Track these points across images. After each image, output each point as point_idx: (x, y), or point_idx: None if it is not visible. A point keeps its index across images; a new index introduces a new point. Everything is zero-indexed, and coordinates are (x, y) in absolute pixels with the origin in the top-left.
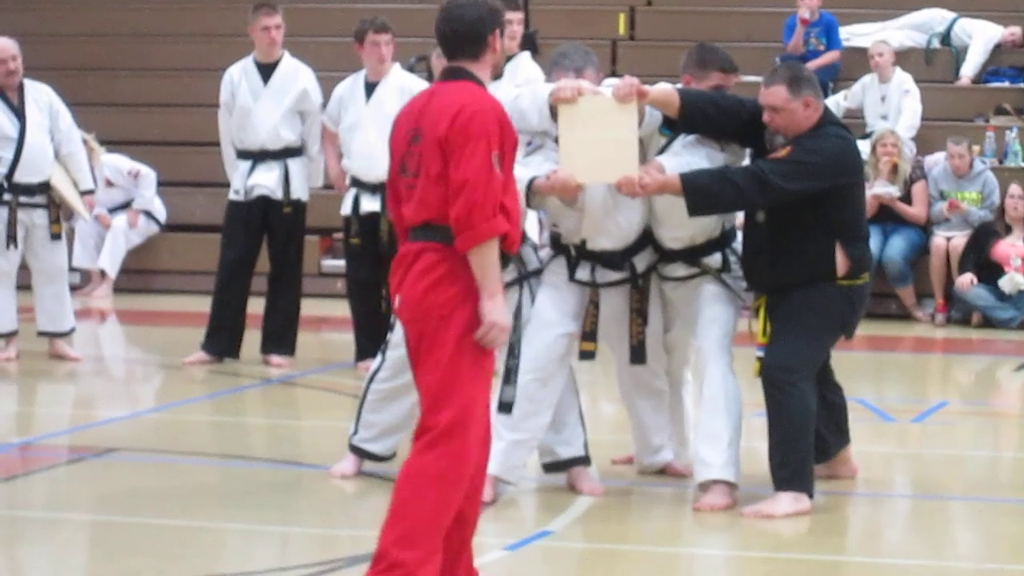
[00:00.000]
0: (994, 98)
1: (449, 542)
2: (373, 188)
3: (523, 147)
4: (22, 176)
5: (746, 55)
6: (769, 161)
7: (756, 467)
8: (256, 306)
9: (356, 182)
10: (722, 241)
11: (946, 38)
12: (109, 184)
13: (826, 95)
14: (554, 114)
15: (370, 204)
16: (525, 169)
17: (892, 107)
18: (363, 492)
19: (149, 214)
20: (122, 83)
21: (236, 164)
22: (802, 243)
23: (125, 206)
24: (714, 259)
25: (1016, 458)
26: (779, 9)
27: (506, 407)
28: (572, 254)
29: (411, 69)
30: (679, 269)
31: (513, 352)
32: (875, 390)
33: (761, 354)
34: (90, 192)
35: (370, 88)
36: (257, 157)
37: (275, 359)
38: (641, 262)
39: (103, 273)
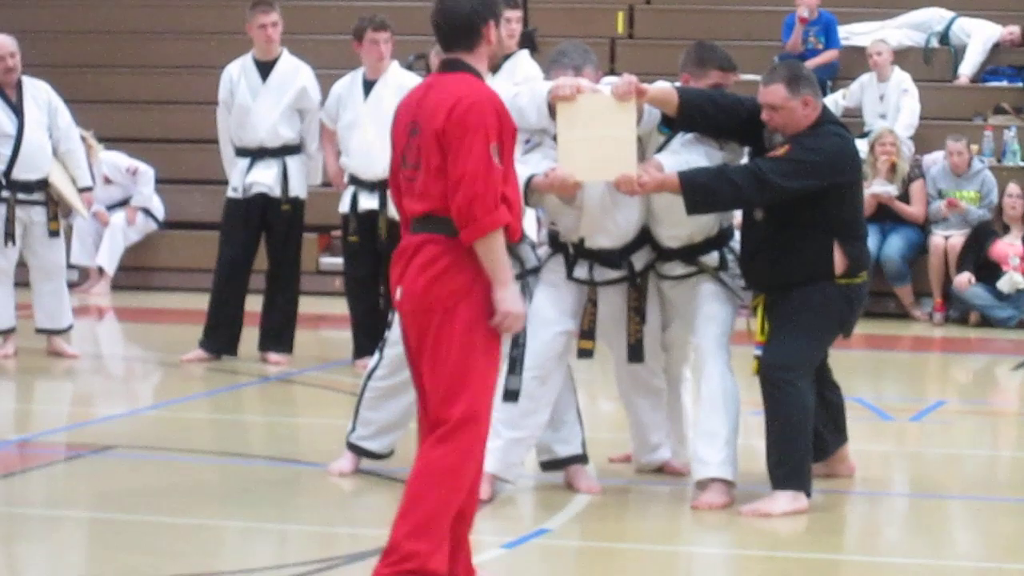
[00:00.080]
0: (992, 97)
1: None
2: (371, 186)
3: (521, 145)
4: (20, 173)
5: (745, 54)
6: (768, 160)
7: (754, 465)
8: (254, 304)
9: (354, 180)
10: (720, 240)
11: (945, 37)
12: (107, 181)
13: (824, 94)
14: (553, 112)
15: (368, 202)
16: (523, 167)
17: (890, 106)
18: (361, 490)
19: (147, 211)
20: (121, 80)
21: (235, 162)
22: (800, 242)
23: (123, 203)
24: (712, 258)
25: (1014, 457)
26: (778, 8)
27: (512, 395)
28: (570, 252)
29: (410, 67)
30: (677, 268)
31: (517, 342)
32: (873, 389)
33: (759, 353)
34: (88, 189)
35: (368, 86)
36: (256, 155)
37: (273, 357)
38: (639, 260)
39: (101, 270)
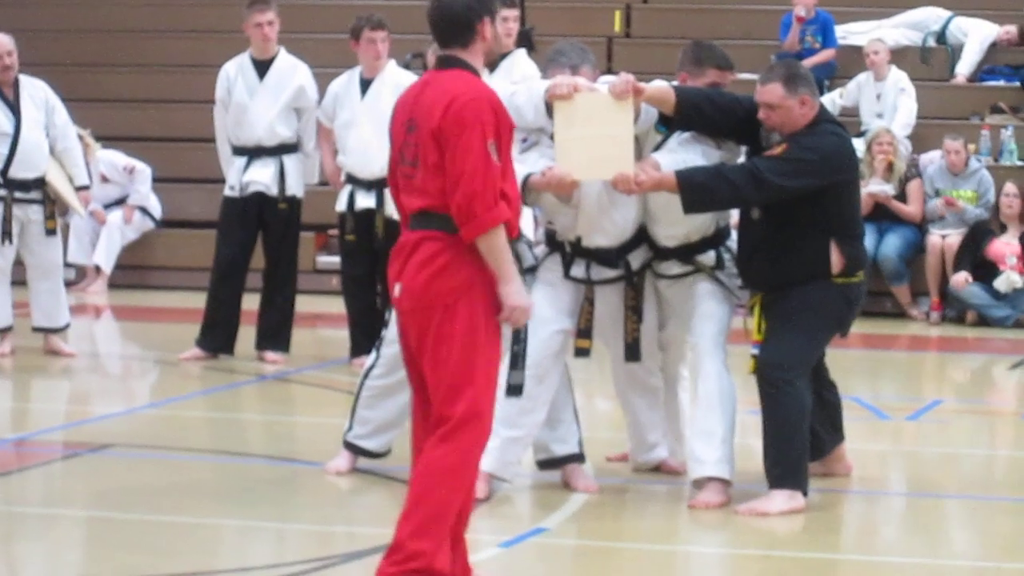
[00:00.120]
0: (989, 96)
1: None
2: (368, 185)
3: (518, 144)
4: (17, 172)
5: (742, 53)
6: (765, 159)
7: (751, 464)
8: (251, 302)
9: (351, 178)
10: (716, 239)
11: (942, 36)
12: (104, 180)
13: (822, 93)
14: (550, 111)
15: (365, 201)
16: (521, 166)
17: (887, 105)
18: (358, 488)
19: (144, 210)
20: (118, 79)
21: (232, 160)
22: (797, 241)
23: (120, 202)
24: (708, 257)
25: (1011, 456)
26: (775, 7)
27: (515, 390)
28: (567, 251)
29: (407, 66)
30: (674, 267)
31: (518, 338)
32: (870, 388)
33: (756, 352)
34: (85, 188)
35: (365, 85)
36: (253, 153)
37: (270, 355)
38: (636, 259)
39: (98, 269)
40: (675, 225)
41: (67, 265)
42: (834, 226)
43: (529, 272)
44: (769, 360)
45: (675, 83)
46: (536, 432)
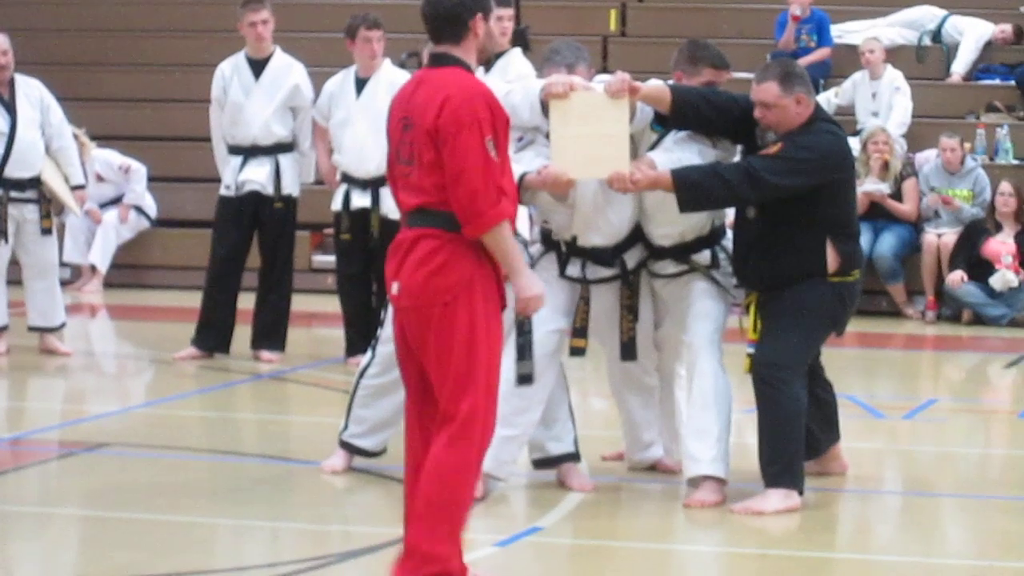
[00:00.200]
0: (985, 95)
1: None
2: (364, 184)
3: (514, 143)
4: (13, 171)
5: (737, 52)
6: (760, 157)
7: (746, 463)
8: (246, 301)
9: (347, 178)
10: (712, 238)
11: (937, 35)
12: (100, 179)
13: (817, 92)
14: (545, 110)
15: (360, 200)
16: (516, 165)
17: (883, 104)
18: (354, 487)
19: (140, 209)
20: (113, 78)
21: (227, 160)
22: (793, 240)
23: (116, 201)
24: (704, 256)
25: (1006, 455)
26: (770, 6)
27: (526, 379)
28: (563, 250)
29: (402, 65)
30: (669, 266)
31: (523, 330)
32: (865, 387)
33: (752, 351)
34: (81, 187)
35: (361, 84)
36: (248, 153)
37: (265, 354)
38: (632, 259)
39: (94, 268)
40: (670, 224)
41: (63, 264)
42: (830, 225)
43: None
44: (765, 359)
45: (671, 82)
46: (532, 431)
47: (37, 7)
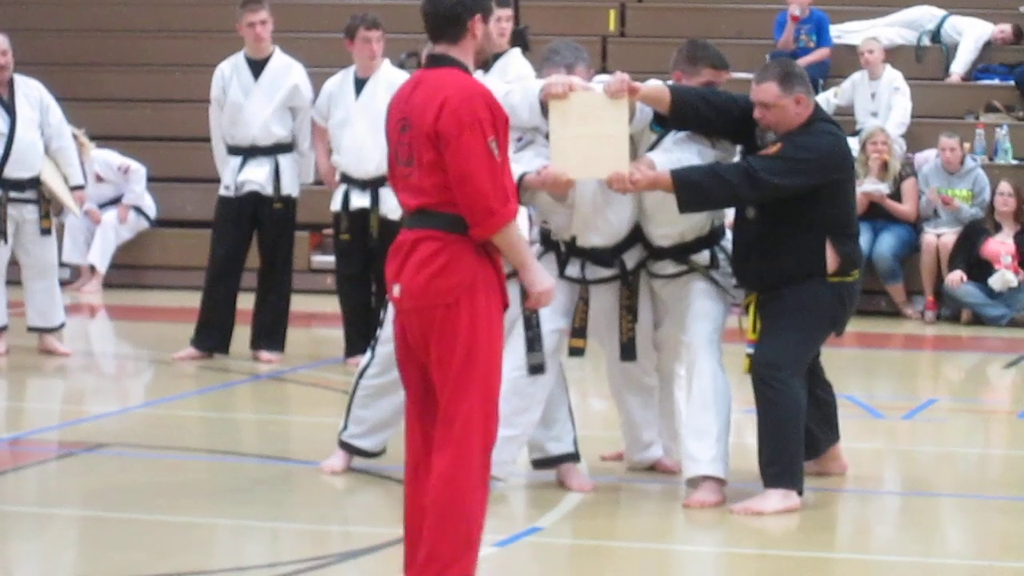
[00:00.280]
0: (984, 95)
1: None
2: (363, 184)
3: (514, 143)
4: (12, 171)
5: (737, 52)
6: (760, 158)
7: (746, 463)
8: (246, 302)
9: (346, 178)
10: (711, 238)
11: (936, 35)
12: (99, 180)
13: (816, 92)
14: (545, 110)
15: (360, 200)
16: (516, 165)
17: (882, 104)
18: (353, 488)
19: (139, 210)
20: (112, 78)
21: (227, 160)
22: (793, 240)
23: (115, 202)
24: (703, 256)
25: (1005, 455)
26: (770, 6)
27: (537, 369)
28: (562, 250)
29: (401, 65)
30: (668, 266)
31: (531, 324)
32: (865, 387)
33: (751, 351)
34: (80, 187)
35: (360, 84)
36: (248, 153)
37: (265, 355)
38: (631, 259)
39: (93, 268)
40: (670, 224)
41: (62, 265)
42: (829, 225)
43: None
44: (764, 359)
45: (670, 82)
46: (531, 431)
47: (37, 7)
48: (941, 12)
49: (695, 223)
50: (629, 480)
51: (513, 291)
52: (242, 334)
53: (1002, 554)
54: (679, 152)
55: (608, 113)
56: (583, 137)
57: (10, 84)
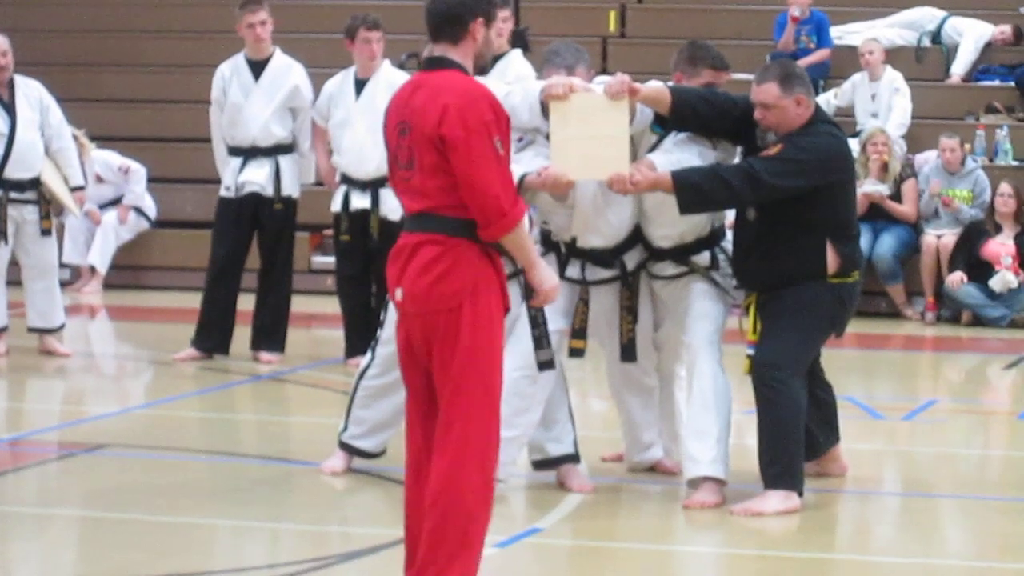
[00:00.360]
0: (984, 96)
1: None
2: (363, 185)
3: (514, 143)
4: (12, 172)
5: (737, 53)
6: (760, 159)
7: (746, 464)
8: (246, 302)
9: (346, 179)
10: (711, 240)
11: (936, 36)
12: (99, 180)
13: (816, 93)
14: (545, 111)
15: (360, 201)
16: (516, 166)
17: (882, 105)
18: (353, 488)
19: (139, 210)
20: (113, 79)
21: (227, 161)
22: (793, 241)
23: (115, 202)
24: (703, 257)
25: (1006, 456)
26: (770, 7)
27: (547, 364)
28: (562, 251)
29: (402, 66)
30: (668, 267)
31: (537, 322)
32: (865, 388)
33: (751, 352)
34: (80, 188)
35: (360, 84)
36: (248, 154)
37: (265, 355)
38: (631, 260)
39: (93, 269)
40: (670, 226)
41: (62, 265)
42: (830, 226)
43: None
44: (764, 360)
45: (670, 83)
46: (531, 432)
47: (37, 8)
48: (941, 13)
49: (695, 224)
50: (629, 481)
51: (513, 292)
52: (242, 335)
53: (1002, 555)
54: (679, 153)
55: (608, 114)
56: (583, 138)
57: (10, 85)
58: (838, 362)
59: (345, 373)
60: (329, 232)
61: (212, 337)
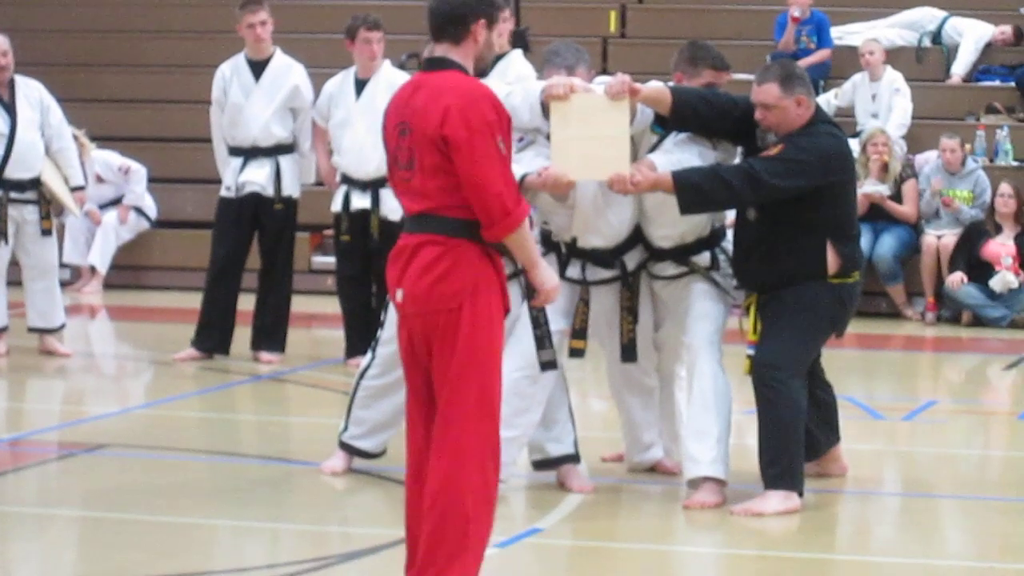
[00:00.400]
0: (985, 97)
1: None
2: (363, 185)
3: (514, 143)
4: (13, 172)
5: (737, 53)
6: (761, 159)
7: (746, 465)
8: (246, 302)
9: (346, 179)
10: (712, 240)
11: (937, 37)
12: (100, 180)
13: (817, 93)
14: (546, 111)
15: (360, 201)
16: (517, 166)
17: (883, 106)
18: (353, 489)
19: (140, 210)
20: (113, 79)
21: (227, 161)
22: (793, 241)
23: (116, 202)
24: (703, 258)
25: (1005, 456)
26: (770, 7)
27: (550, 365)
28: (563, 251)
29: (402, 66)
30: (669, 268)
31: (539, 323)
32: (865, 388)
33: (752, 352)
34: (81, 188)
35: (360, 85)
36: (248, 154)
37: (265, 355)
38: (631, 260)
39: (93, 269)
40: (670, 226)
41: (62, 265)
42: (830, 226)
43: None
44: (765, 360)
45: (671, 83)
46: (531, 432)
47: (37, 8)
48: (942, 13)
49: (695, 225)
50: (629, 481)
51: (513, 293)
52: (242, 335)
53: (1002, 555)
54: (680, 153)
55: (609, 115)
56: (584, 138)
57: (11, 85)
58: (838, 362)
59: (345, 373)
60: (329, 232)
61: (212, 337)
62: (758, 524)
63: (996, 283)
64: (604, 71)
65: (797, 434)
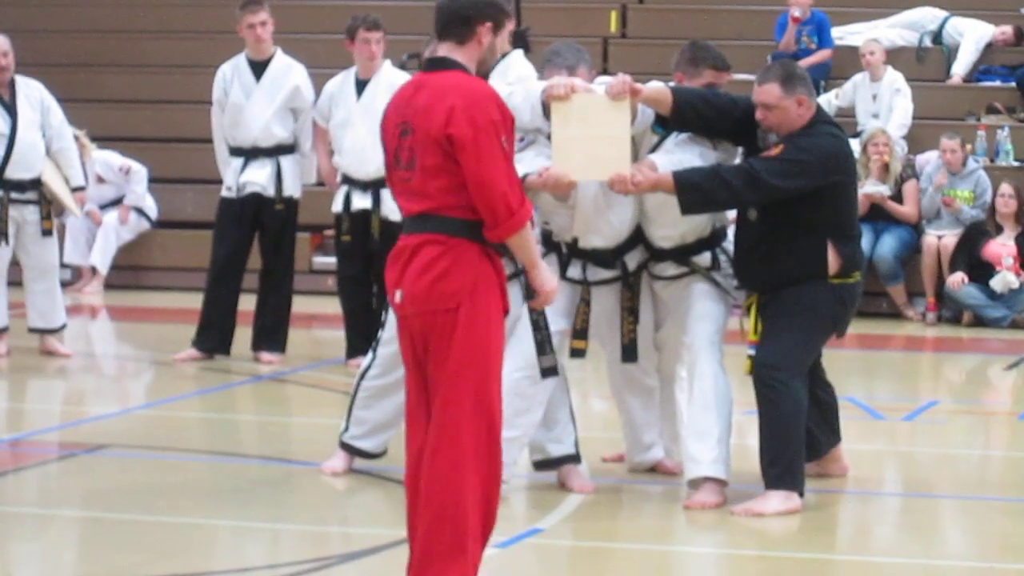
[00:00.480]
0: (985, 97)
1: None
2: (364, 185)
3: (516, 143)
4: (13, 172)
5: (738, 53)
6: (761, 159)
7: (747, 465)
8: (247, 303)
9: (347, 179)
10: (712, 240)
11: (937, 37)
12: (100, 180)
13: (817, 94)
14: (547, 111)
15: (361, 201)
16: (517, 165)
17: (883, 106)
18: (354, 489)
19: (140, 210)
20: (113, 79)
21: (228, 161)
22: (794, 241)
23: (116, 202)
24: (704, 258)
25: (1006, 457)
26: (771, 7)
27: (551, 371)
28: (563, 252)
29: (403, 66)
30: (669, 268)
31: (539, 327)
32: (866, 388)
33: (752, 352)
34: (81, 188)
35: (360, 85)
36: (249, 154)
37: (266, 356)
38: (632, 260)
39: (94, 269)
40: (671, 226)
41: (63, 266)
42: (831, 227)
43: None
44: (765, 361)
45: (671, 84)
46: (532, 432)
47: (38, 8)
48: (942, 13)
49: (696, 225)
50: (630, 481)
51: (513, 293)
52: (243, 335)
53: (1003, 555)
54: (681, 154)
55: (610, 115)
56: (585, 139)
57: (11, 85)
58: (839, 362)
59: (346, 374)
60: (330, 232)
61: (213, 337)
62: (759, 524)
63: (997, 283)
64: (605, 71)
65: (798, 434)
